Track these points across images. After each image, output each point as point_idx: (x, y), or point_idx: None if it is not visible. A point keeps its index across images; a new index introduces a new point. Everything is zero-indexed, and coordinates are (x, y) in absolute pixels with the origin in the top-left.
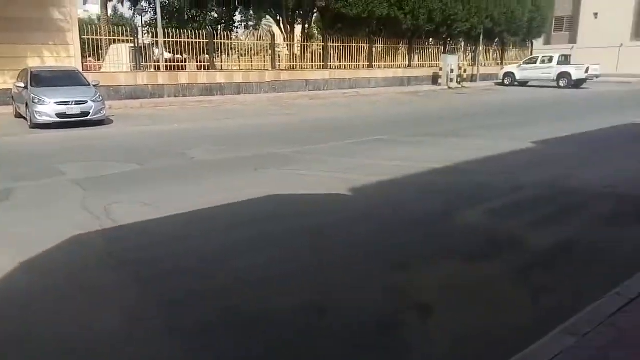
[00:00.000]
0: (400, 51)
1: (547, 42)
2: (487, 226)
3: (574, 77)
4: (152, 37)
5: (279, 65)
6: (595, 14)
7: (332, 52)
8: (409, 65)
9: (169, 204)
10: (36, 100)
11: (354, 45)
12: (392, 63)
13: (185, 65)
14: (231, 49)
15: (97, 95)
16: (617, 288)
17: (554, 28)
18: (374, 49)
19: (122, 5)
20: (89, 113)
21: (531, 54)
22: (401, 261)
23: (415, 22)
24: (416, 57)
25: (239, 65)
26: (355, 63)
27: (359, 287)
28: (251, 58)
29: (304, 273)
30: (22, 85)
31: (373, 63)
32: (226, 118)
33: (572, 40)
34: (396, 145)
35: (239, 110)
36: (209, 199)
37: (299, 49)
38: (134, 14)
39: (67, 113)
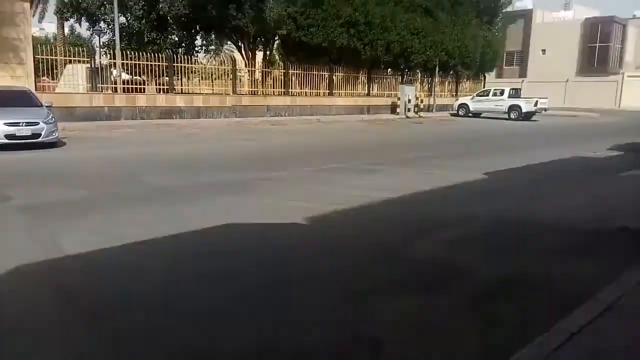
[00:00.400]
0: (360, 80)
1: (499, 75)
2: (440, 257)
3: (524, 110)
4: (110, 58)
5: (241, 90)
6: (544, 50)
7: (293, 79)
8: (368, 94)
9: (121, 232)
10: None
11: (314, 72)
12: (352, 91)
13: (144, 88)
14: (192, 72)
15: (50, 117)
16: (560, 322)
17: (505, 62)
18: (334, 77)
19: (80, 25)
20: (41, 135)
21: (484, 87)
22: (355, 293)
23: (374, 53)
24: (375, 87)
25: (200, 89)
26: (316, 90)
27: (312, 321)
28: (212, 82)
29: (258, 306)
30: None
31: (334, 91)
32: (185, 142)
33: (522, 74)
34: (355, 173)
35: (199, 135)
36: (163, 228)
37: (261, 74)
38: (92, 34)
39: (16, 134)
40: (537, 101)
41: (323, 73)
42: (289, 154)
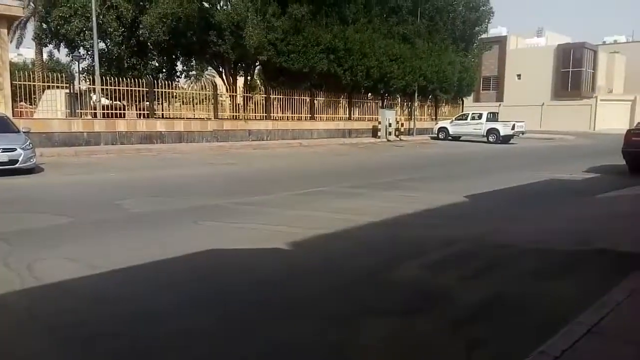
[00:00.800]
0: (341, 104)
1: (477, 99)
2: (421, 281)
3: (502, 133)
4: (90, 84)
5: (222, 115)
6: (519, 75)
7: (274, 103)
8: (350, 118)
9: (100, 260)
10: None
11: (296, 97)
12: (334, 115)
13: (125, 113)
14: (173, 97)
15: (27, 143)
16: (541, 346)
17: (482, 87)
18: (315, 102)
19: (59, 50)
20: (18, 161)
21: (462, 111)
22: (339, 318)
23: (354, 78)
24: (356, 111)
25: (181, 114)
26: (298, 115)
27: (297, 346)
28: (194, 107)
29: (241, 333)
30: None
31: (315, 115)
32: (166, 167)
33: (499, 98)
34: (337, 197)
35: (180, 160)
36: (143, 255)
37: (242, 99)
38: (71, 59)
39: None
40: (514, 124)
41: (304, 97)
42: (271, 178)
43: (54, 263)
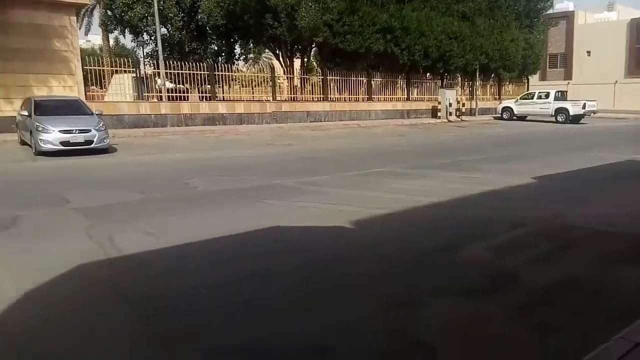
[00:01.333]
0: (398, 85)
1: (543, 78)
2: (488, 262)
3: (571, 113)
4: (154, 68)
5: (280, 97)
6: (588, 52)
7: (331, 85)
8: (408, 99)
9: (171, 234)
10: (40, 129)
11: (352, 78)
12: (391, 96)
13: (188, 96)
14: (232, 80)
15: (101, 124)
16: (621, 332)
17: (549, 65)
18: (372, 82)
19: (124, 36)
20: (93, 141)
21: (527, 90)
22: (402, 298)
23: (412, 57)
24: (415, 91)
25: (241, 96)
26: (355, 96)
27: (360, 326)
28: (252, 89)
29: (305, 309)
30: (26, 113)
31: (372, 96)
32: (228, 148)
33: (568, 76)
34: (397, 177)
35: (241, 140)
36: (211, 231)
37: (299, 81)
38: (135, 45)
39: (71, 141)
40: (585, 103)
41: (361, 78)
42: (331, 159)
43: (131, 236)
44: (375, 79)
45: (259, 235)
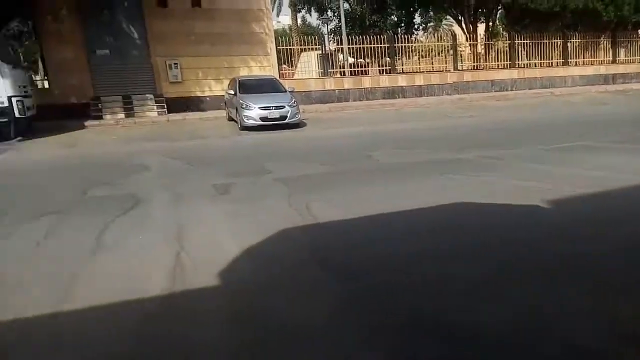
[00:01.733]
0: (601, 46)
1: None
2: None
3: None
4: (337, 44)
5: (462, 66)
6: None
7: (519, 50)
8: (614, 61)
9: (359, 205)
10: (244, 106)
11: (544, 41)
12: (592, 59)
13: (368, 70)
14: (411, 51)
15: (293, 101)
16: None
17: None
18: (569, 45)
19: (310, 15)
20: (286, 117)
21: None
22: (620, 286)
23: (619, 13)
24: (622, 52)
25: (420, 68)
26: (548, 61)
27: (564, 310)
28: (432, 59)
29: (495, 289)
30: (232, 92)
31: (568, 60)
32: (407, 120)
33: None
34: (602, 152)
35: (421, 113)
36: (394, 203)
37: (483, 48)
38: (320, 22)
39: (268, 117)
40: None
41: (555, 41)
42: (518, 131)
43: (324, 205)
44: (572, 41)
45: (443, 211)
